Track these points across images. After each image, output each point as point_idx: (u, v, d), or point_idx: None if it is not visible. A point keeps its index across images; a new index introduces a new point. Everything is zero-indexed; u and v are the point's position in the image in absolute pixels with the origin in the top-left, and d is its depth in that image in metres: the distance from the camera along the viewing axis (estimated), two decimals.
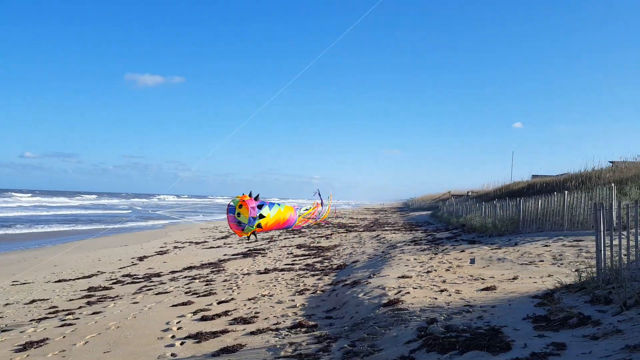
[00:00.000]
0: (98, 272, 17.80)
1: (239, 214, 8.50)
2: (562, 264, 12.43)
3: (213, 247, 24.50)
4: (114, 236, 32.82)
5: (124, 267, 18.70)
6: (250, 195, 8.79)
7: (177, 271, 17.15)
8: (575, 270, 10.24)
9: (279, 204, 9.15)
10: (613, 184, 19.76)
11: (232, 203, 8.63)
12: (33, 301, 13.06)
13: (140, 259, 20.92)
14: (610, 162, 32.58)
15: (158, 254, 22.36)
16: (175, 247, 25.03)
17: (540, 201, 21.01)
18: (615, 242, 8.86)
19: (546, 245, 15.74)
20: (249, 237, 9.14)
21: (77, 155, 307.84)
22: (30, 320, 10.88)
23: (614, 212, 9.26)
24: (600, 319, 6.65)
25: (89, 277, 16.77)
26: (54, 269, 18.52)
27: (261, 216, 8.67)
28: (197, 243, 26.93)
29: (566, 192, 20.39)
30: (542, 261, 13.09)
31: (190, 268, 17.65)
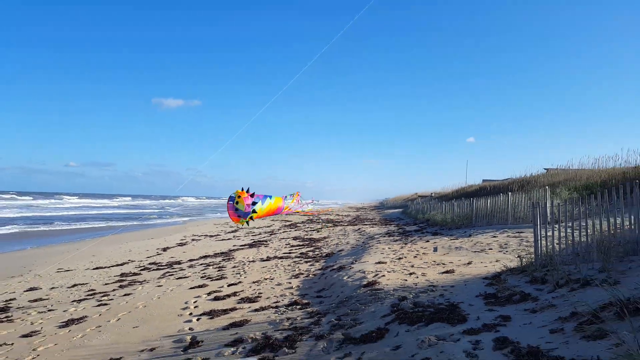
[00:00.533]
0: (129, 260, 17.60)
1: (237, 202, 8.52)
2: (507, 251, 12.48)
3: (224, 240, 24.33)
4: (142, 231, 32.47)
5: (151, 257, 18.51)
6: (247, 191, 8.79)
7: (194, 259, 17.00)
8: (518, 256, 10.28)
9: (270, 197, 9.16)
10: (547, 187, 19.89)
11: (232, 194, 8.65)
12: (74, 285, 12.89)
13: (164, 249, 20.71)
14: (544, 168, 32.79)
15: (179, 245, 22.16)
16: (193, 240, 24.82)
17: (489, 200, 21.10)
18: (549, 233, 8.92)
19: (494, 236, 15.79)
20: (242, 224, 9.17)
21: (112, 165, 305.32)
22: (72, 301, 10.73)
23: (547, 210, 9.33)
24: (538, 295, 6.68)
25: (121, 265, 16.58)
26: (92, 258, 18.29)
27: (254, 211, 8.72)
28: (211, 236, 26.72)
29: (510, 193, 20.51)
30: (491, 249, 13.13)
31: (205, 257, 17.51)
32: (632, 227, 8.25)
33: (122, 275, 14.17)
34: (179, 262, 16.45)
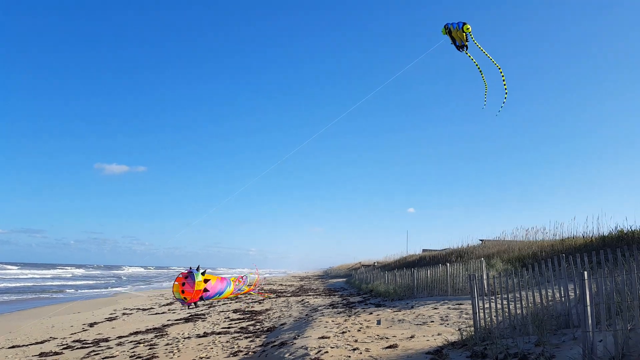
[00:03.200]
0: (50, 337, 15.92)
1: (183, 292, 8.04)
2: (448, 324, 12.52)
3: (158, 313, 22.76)
4: (68, 304, 29.79)
5: (75, 333, 16.86)
6: (198, 269, 8.35)
7: (123, 336, 15.66)
8: (458, 329, 10.32)
9: (223, 291, 8.74)
10: (482, 258, 20.59)
11: (175, 293, 8.15)
12: None
13: (91, 325, 18.99)
14: (480, 240, 34.04)
15: (107, 320, 20.42)
16: (123, 314, 23.03)
17: (429, 271, 21.41)
18: (487, 305, 9.10)
19: (435, 308, 15.87)
20: (196, 304, 8.63)
21: (43, 231, 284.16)
22: None
23: (484, 282, 9.59)
24: None
25: (41, 342, 14.93)
26: (8, 335, 16.39)
27: (206, 280, 8.30)
28: (144, 310, 24.93)
29: (448, 264, 20.98)
30: (433, 322, 13.13)
31: (136, 333, 16.18)
32: (563, 299, 8.60)
33: (41, 355, 12.73)
34: (106, 340, 15.07)
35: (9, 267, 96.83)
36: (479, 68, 9.50)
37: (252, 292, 10.26)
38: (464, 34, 9.15)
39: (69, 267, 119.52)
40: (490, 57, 9.30)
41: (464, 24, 9.12)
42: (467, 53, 9.47)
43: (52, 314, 22.93)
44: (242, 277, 9.72)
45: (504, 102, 9.57)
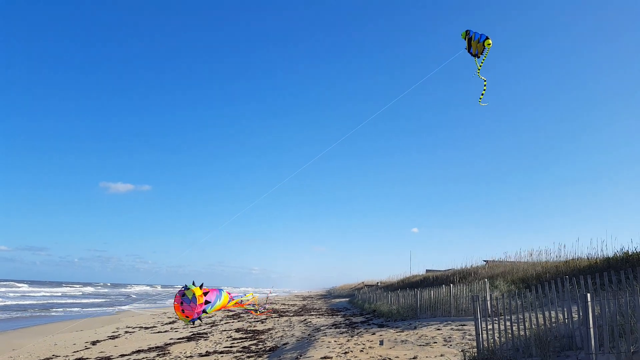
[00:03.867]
0: (53, 355, 15.87)
1: (187, 317, 8.03)
2: (451, 345, 12.43)
3: (161, 332, 22.64)
4: (71, 321, 29.69)
5: (78, 351, 16.80)
6: (193, 284, 8.34)
7: (126, 354, 15.59)
8: (462, 351, 10.26)
9: (220, 296, 8.72)
10: (486, 279, 20.48)
11: (185, 290, 8.16)
12: None
13: (94, 343, 18.92)
14: (484, 260, 33.85)
15: (110, 339, 20.33)
16: (126, 332, 22.91)
17: (432, 292, 21.28)
18: (490, 326, 9.07)
19: (438, 329, 15.74)
20: (193, 322, 8.61)
21: (47, 249, 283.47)
22: None
23: (487, 303, 9.57)
24: None
25: None
26: (11, 353, 16.35)
27: (204, 311, 8.28)
28: (146, 328, 24.80)
29: (452, 285, 20.85)
30: (436, 342, 13.04)
31: (138, 351, 16.11)
32: (566, 321, 8.57)
33: None
34: (108, 358, 15.02)
35: (19, 285, 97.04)
36: (481, 76, 9.80)
37: (256, 309, 10.22)
38: (483, 47, 9.48)
39: (77, 285, 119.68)
40: (481, 76, 9.69)
41: (487, 37, 9.45)
42: (476, 63, 9.79)
43: (55, 333, 22.86)
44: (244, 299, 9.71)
45: (482, 95, 9.81)
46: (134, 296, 76.10)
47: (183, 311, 8.02)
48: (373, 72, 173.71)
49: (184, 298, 8.02)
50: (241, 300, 9.64)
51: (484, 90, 9.84)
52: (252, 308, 9.95)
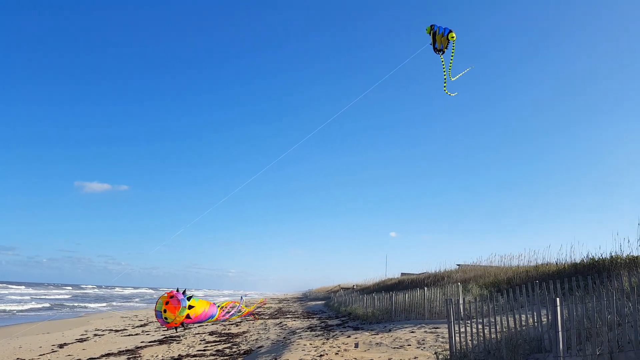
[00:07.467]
0: (17, 358, 15.35)
1: (165, 311, 7.90)
2: (424, 347, 12.55)
3: (132, 335, 22.17)
4: (37, 324, 28.78)
5: (44, 354, 16.30)
6: (184, 293, 8.21)
7: (94, 358, 15.21)
8: (435, 353, 10.38)
9: (206, 317, 8.63)
10: (459, 283, 20.79)
11: (157, 308, 8.02)
12: None
13: (61, 346, 18.37)
14: (457, 264, 34.32)
15: (78, 341, 19.80)
16: (95, 335, 22.35)
17: (407, 295, 21.48)
18: (463, 329, 9.21)
19: (412, 332, 15.89)
20: (177, 329, 8.49)
21: (15, 249, 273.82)
22: None
23: (460, 306, 9.72)
24: None
25: None
26: None
27: (190, 307, 8.13)
28: (116, 331, 24.26)
29: (425, 288, 21.11)
30: (410, 345, 13.15)
31: (108, 355, 15.73)
32: (536, 324, 8.77)
33: None
34: None
35: (13, 286, 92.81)
36: (444, 70, 9.68)
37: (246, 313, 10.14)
38: (447, 41, 9.40)
39: (51, 286, 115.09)
40: (445, 71, 9.60)
41: (450, 31, 9.37)
42: (441, 58, 9.69)
43: (19, 334, 22.12)
44: (231, 306, 9.62)
45: (446, 84, 9.72)
46: (107, 297, 73.37)
47: (167, 302, 7.88)
48: (349, 73, 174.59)
49: (176, 297, 7.90)
50: (240, 311, 9.57)
51: (445, 76, 9.60)
52: (242, 312, 9.89)
